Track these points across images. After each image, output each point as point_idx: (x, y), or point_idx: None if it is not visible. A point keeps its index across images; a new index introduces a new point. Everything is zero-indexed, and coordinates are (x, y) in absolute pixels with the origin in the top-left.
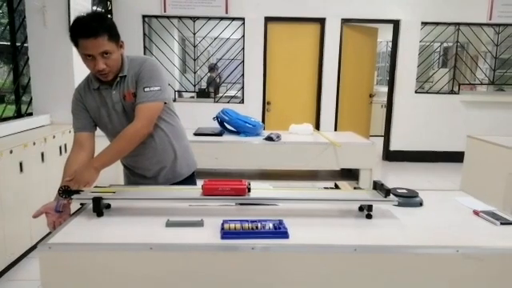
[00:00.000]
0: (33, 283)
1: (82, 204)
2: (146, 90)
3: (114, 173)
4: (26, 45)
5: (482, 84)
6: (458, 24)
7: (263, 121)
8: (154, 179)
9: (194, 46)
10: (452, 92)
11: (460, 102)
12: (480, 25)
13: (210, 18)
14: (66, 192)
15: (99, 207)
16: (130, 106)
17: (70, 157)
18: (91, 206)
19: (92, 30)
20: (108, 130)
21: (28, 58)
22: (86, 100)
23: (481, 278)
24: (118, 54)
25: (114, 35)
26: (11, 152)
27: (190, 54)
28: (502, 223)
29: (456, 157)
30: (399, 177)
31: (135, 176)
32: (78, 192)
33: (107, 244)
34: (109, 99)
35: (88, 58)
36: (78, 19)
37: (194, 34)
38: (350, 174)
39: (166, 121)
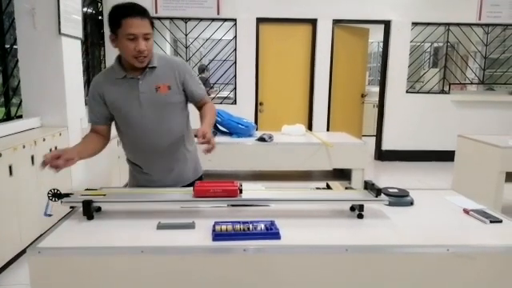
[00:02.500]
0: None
1: (72, 207)
2: (200, 88)
3: (106, 174)
4: (15, 47)
5: (472, 83)
6: (448, 24)
7: (256, 122)
8: (161, 181)
9: (186, 47)
10: (442, 92)
11: (450, 102)
12: (469, 25)
13: (201, 19)
14: (55, 195)
15: (89, 210)
16: (163, 98)
17: (87, 136)
18: (81, 209)
19: (140, 10)
20: (127, 118)
21: (17, 60)
22: (106, 90)
23: (471, 276)
24: (152, 42)
25: (152, 24)
26: (0, 155)
27: (181, 55)
28: (491, 221)
29: (447, 156)
30: (391, 176)
31: (142, 174)
32: (67, 195)
33: (98, 248)
34: (135, 88)
35: (130, 38)
36: (121, 4)
37: (186, 35)
38: (343, 174)
39: (186, 122)
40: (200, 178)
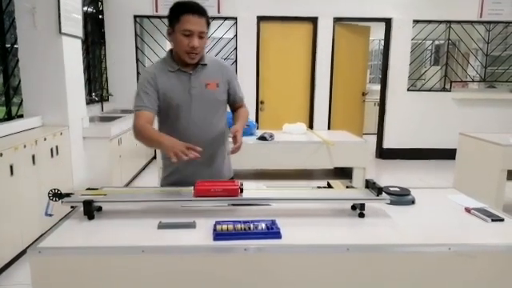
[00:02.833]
0: (26, 287)
1: (72, 207)
2: (241, 91)
3: (107, 173)
4: (16, 46)
5: (473, 81)
6: (449, 22)
7: (257, 120)
8: (198, 176)
9: None
10: (444, 89)
11: (452, 100)
12: (471, 22)
13: None
14: (55, 195)
15: (90, 210)
16: (212, 94)
17: (145, 124)
18: (82, 208)
19: (201, 9)
20: (178, 110)
21: (18, 60)
22: (160, 80)
23: (473, 275)
24: (206, 41)
25: (208, 24)
26: (1, 155)
27: None
28: (493, 220)
29: (448, 154)
30: (392, 175)
31: (178, 170)
32: (68, 195)
33: (98, 247)
34: (186, 82)
35: (186, 34)
36: (183, 1)
37: None
38: (344, 173)
39: (226, 121)
40: (232, 179)
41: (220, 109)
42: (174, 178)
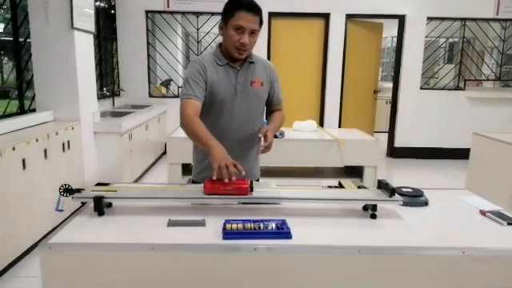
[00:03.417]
0: (36, 280)
1: (83, 203)
2: (281, 93)
3: (118, 168)
4: (29, 40)
5: (488, 80)
6: (464, 19)
7: (266, 118)
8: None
9: (198, 42)
10: (458, 88)
11: (466, 99)
12: (486, 20)
13: (213, 14)
14: (66, 190)
15: (100, 206)
16: (255, 92)
17: (194, 116)
18: (92, 204)
19: (256, 7)
20: (221, 104)
21: (31, 54)
22: (209, 72)
23: (487, 280)
24: (256, 39)
25: (261, 23)
26: (14, 149)
27: (193, 49)
28: (509, 223)
29: (461, 154)
30: (403, 174)
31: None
32: (79, 190)
33: (108, 244)
34: (233, 77)
35: (238, 30)
36: None
37: (198, 29)
38: (355, 172)
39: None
40: (257, 180)
41: (260, 107)
42: (207, 173)
